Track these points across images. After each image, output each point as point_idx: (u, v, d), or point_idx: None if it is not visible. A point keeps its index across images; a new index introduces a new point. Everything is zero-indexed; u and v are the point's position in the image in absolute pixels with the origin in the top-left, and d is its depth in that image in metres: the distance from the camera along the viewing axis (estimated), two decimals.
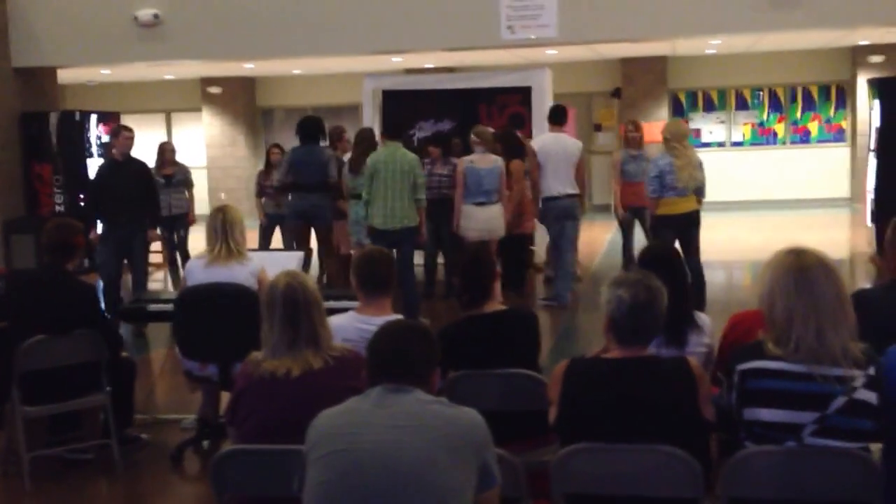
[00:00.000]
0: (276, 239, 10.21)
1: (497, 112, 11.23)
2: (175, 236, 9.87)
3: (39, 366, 4.65)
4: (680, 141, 7.55)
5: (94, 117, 11.69)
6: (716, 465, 3.00)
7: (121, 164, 8.02)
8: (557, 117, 8.78)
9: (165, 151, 9.92)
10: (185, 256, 9.70)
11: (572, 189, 8.50)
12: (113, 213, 7.79)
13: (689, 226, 7.57)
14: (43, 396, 4.73)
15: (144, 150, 16.59)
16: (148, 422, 5.58)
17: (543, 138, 8.86)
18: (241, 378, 3.23)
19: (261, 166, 10.31)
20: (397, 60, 14.47)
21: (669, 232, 7.51)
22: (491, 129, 9.04)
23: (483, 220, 8.34)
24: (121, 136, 8.12)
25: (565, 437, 2.89)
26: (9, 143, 10.25)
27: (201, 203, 17.20)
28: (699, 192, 7.67)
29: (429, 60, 15.11)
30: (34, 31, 10.31)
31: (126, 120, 14.35)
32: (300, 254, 5.84)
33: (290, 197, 9.01)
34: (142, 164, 8.21)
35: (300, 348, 3.15)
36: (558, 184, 8.48)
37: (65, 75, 12.48)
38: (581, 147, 8.58)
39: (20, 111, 10.40)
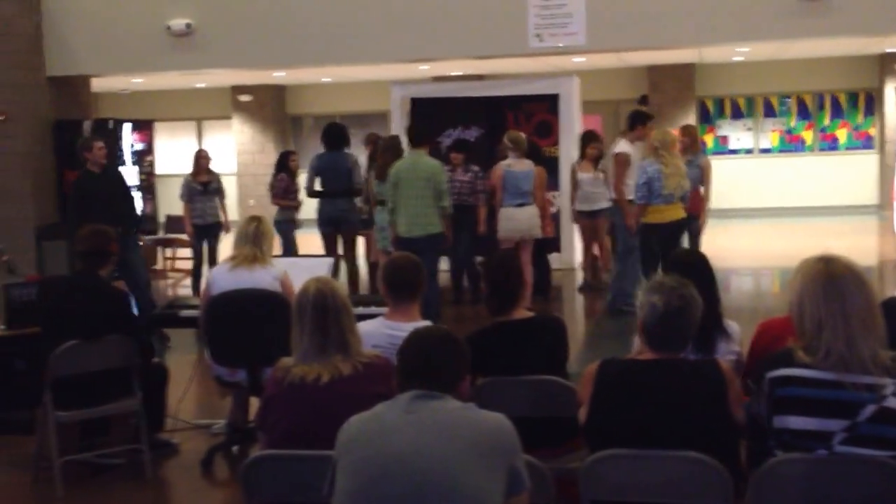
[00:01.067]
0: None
1: (524, 119, 11.26)
2: (206, 244, 9.82)
3: (72, 371, 4.68)
4: (668, 149, 7.68)
5: (127, 125, 11.83)
6: (745, 474, 2.98)
7: (99, 175, 7.97)
8: (635, 121, 8.73)
9: (201, 159, 9.86)
10: (214, 265, 9.72)
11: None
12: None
13: (675, 233, 7.74)
14: (75, 401, 4.76)
15: (176, 157, 16.85)
16: (178, 427, 5.62)
17: (625, 143, 8.88)
18: (271, 383, 3.25)
19: (272, 172, 10.19)
20: (425, 68, 14.52)
21: (655, 239, 7.64)
22: (523, 135, 9.07)
23: (523, 220, 8.47)
24: (94, 147, 7.99)
25: (594, 438, 2.90)
26: (43, 150, 10.39)
27: (230, 209, 17.38)
28: (684, 199, 7.82)
29: (456, 68, 15.15)
30: (68, 40, 10.46)
31: (158, 127, 14.54)
32: (329, 260, 5.88)
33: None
34: (119, 173, 8.22)
35: (330, 354, 3.16)
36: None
37: (98, 84, 12.64)
38: None
39: (54, 119, 10.55)
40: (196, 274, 9.85)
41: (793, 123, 16.81)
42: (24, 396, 5.17)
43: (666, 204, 7.61)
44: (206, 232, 9.70)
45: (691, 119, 16.70)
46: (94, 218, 7.45)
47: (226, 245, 9.21)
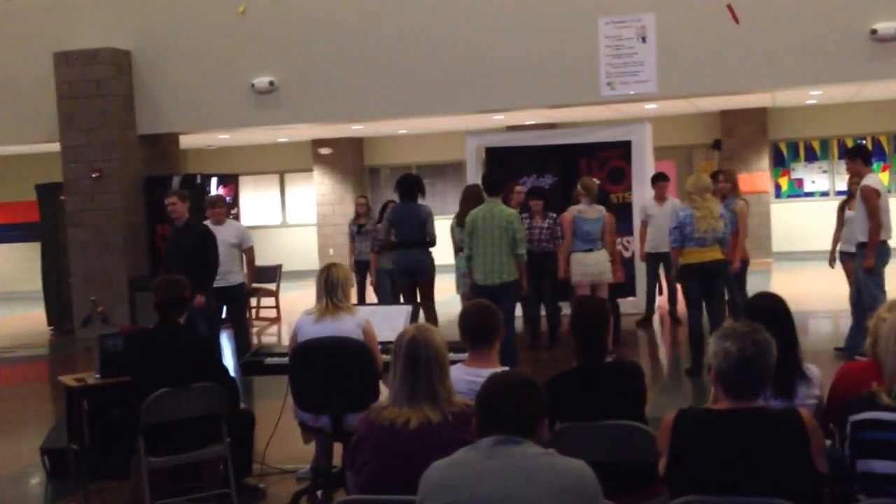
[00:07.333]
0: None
1: (597, 166, 11.32)
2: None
3: (163, 418, 4.78)
4: (701, 194, 7.74)
5: (214, 180, 12.25)
6: None
7: (179, 229, 8.10)
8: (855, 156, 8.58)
9: (358, 205, 11.63)
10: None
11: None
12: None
13: (711, 275, 7.75)
14: (166, 447, 4.87)
15: (260, 208, 17.23)
16: (264, 472, 5.72)
17: (876, 178, 8.42)
18: (362, 424, 3.30)
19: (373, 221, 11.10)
20: (499, 118, 14.72)
21: (692, 281, 7.73)
22: (597, 181, 9.17)
23: (592, 265, 8.60)
24: (166, 202, 8.15)
25: (675, 488, 2.88)
26: (135, 205, 10.83)
27: (311, 258, 17.76)
28: (722, 243, 7.79)
29: (530, 117, 15.32)
30: (157, 100, 10.93)
31: (243, 181, 15.01)
32: (408, 308, 5.99)
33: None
34: (200, 231, 8.07)
35: (419, 401, 3.19)
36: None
37: (186, 140, 13.11)
38: None
39: (145, 175, 10.99)
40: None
41: None
42: (119, 443, 5.34)
43: (699, 247, 7.66)
44: (358, 268, 11.07)
45: (765, 162, 16.54)
46: (167, 269, 7.77)
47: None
